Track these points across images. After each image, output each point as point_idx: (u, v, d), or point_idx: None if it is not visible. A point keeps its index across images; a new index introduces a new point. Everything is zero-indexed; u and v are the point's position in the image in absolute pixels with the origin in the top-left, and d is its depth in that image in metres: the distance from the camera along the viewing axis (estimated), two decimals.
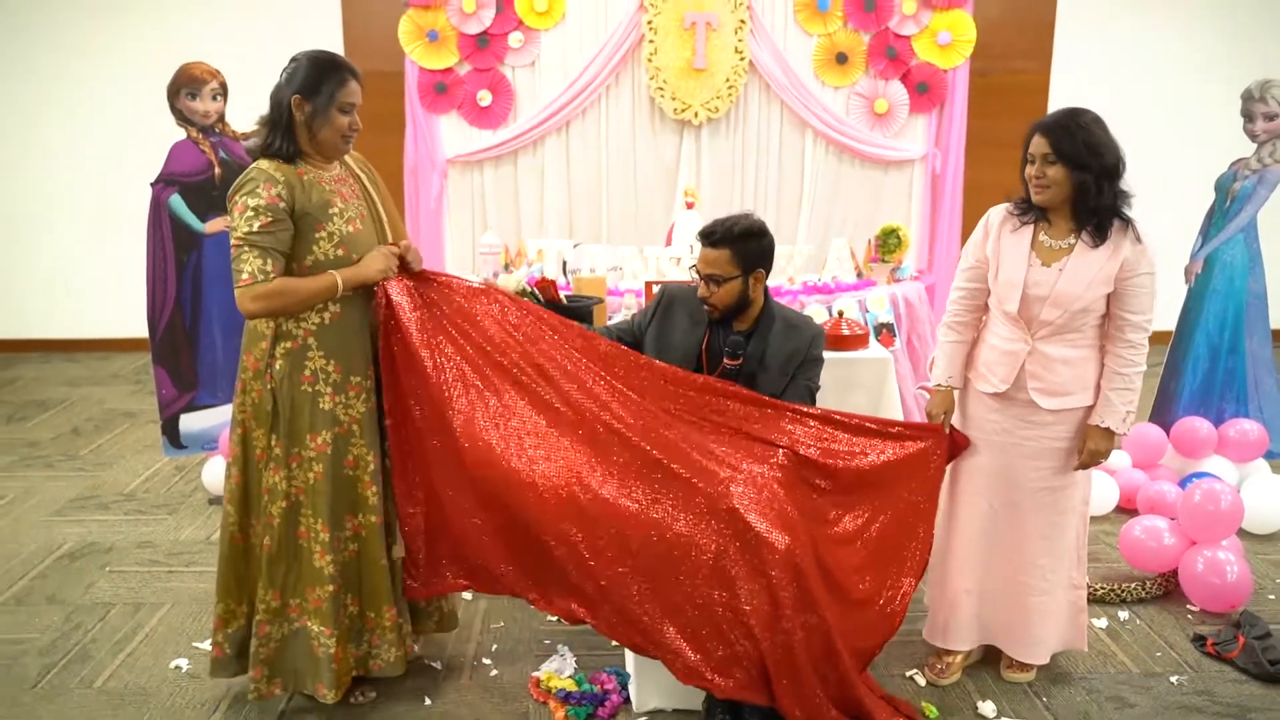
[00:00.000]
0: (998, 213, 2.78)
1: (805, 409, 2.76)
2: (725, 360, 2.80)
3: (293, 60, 2.51)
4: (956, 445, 2.86)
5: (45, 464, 4.83)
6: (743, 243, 2.75)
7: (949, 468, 2.90)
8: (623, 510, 2.56)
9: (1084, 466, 2.73)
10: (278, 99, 2.49)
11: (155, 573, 3.66)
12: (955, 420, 2.89)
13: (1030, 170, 2.61)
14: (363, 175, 2.70)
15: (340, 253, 2.51)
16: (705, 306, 2.83)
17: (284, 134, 2.48)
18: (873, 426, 2.79)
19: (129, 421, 5.49)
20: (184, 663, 3.04)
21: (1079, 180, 2.55)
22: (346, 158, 2.67)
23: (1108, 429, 2.66)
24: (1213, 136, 4.37)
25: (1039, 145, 2.58)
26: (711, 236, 2.77)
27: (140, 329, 4.21)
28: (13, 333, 7.11)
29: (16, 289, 7.03)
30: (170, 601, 3.43)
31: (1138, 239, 2.58)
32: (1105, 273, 2.58)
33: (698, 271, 2.81)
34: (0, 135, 6.76)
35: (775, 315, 2.86)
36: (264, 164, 2.47)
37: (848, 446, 2.74)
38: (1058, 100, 6.72)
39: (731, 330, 2.86)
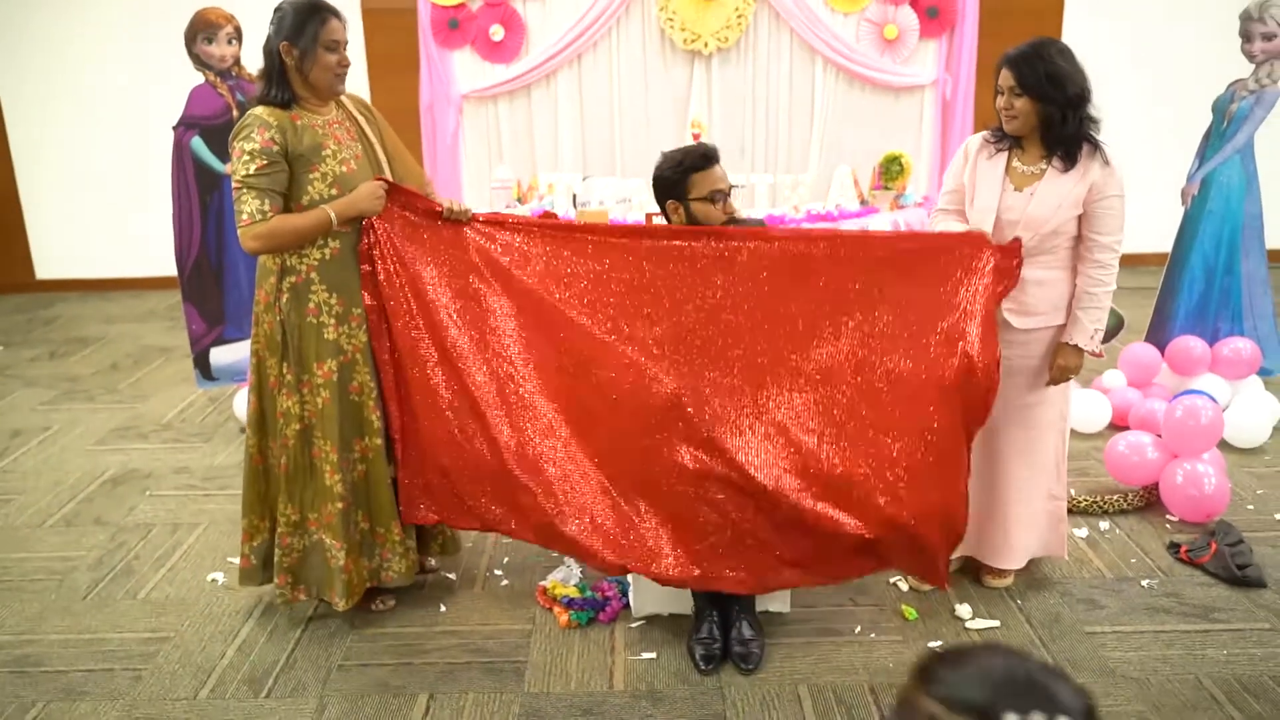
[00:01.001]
0: (976, 140, 2.88)
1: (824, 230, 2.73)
2: None
3: (277, 10, 2.65)
4: (1007, 251, 2.71)
5: (87, 397, 5.09)
6: None
7: None
8: (591, 428, 2.76)
9: (1054, 382, 2.85)
10: (268, 49, 2.64)
11: (192, 496, 3.91)
12: None
13: (1000, 101, 2.70)
14: (360, 118, 2.83)
15: (334, 192, 2.67)
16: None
17: (278, 81, 2.64)
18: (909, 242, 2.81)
19: (164, 356, 5.74)
20: (219, 576, 3.29)
21: (1044, 111, 2.64)
22: (345, 101, 2.81)
23: (1077, 346, 2.78)
24: (1221, 59, 4.36)
25: (1005, 78, 2.67)
26: (710, 156, 2.75)
27: (170, 268, 4.41)
28: (52, 273, 7.37)
29: (54, 231, 7.28)
30: (206, 522, 3.68)
31: (1106, 162, 2.68)
32: (1074, 196, 2.68)
33: (722, 193, 2.76)
34: (32, 83, 6.95)
35: None
36: (258, 110, 2.62)
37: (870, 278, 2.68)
38: (1072, 21, 6.69)
39: None
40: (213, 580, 3.27)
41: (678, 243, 2.73)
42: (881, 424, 2.64)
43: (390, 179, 2.79)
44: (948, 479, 2.66)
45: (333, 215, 2.64)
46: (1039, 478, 2.99)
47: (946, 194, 2.97)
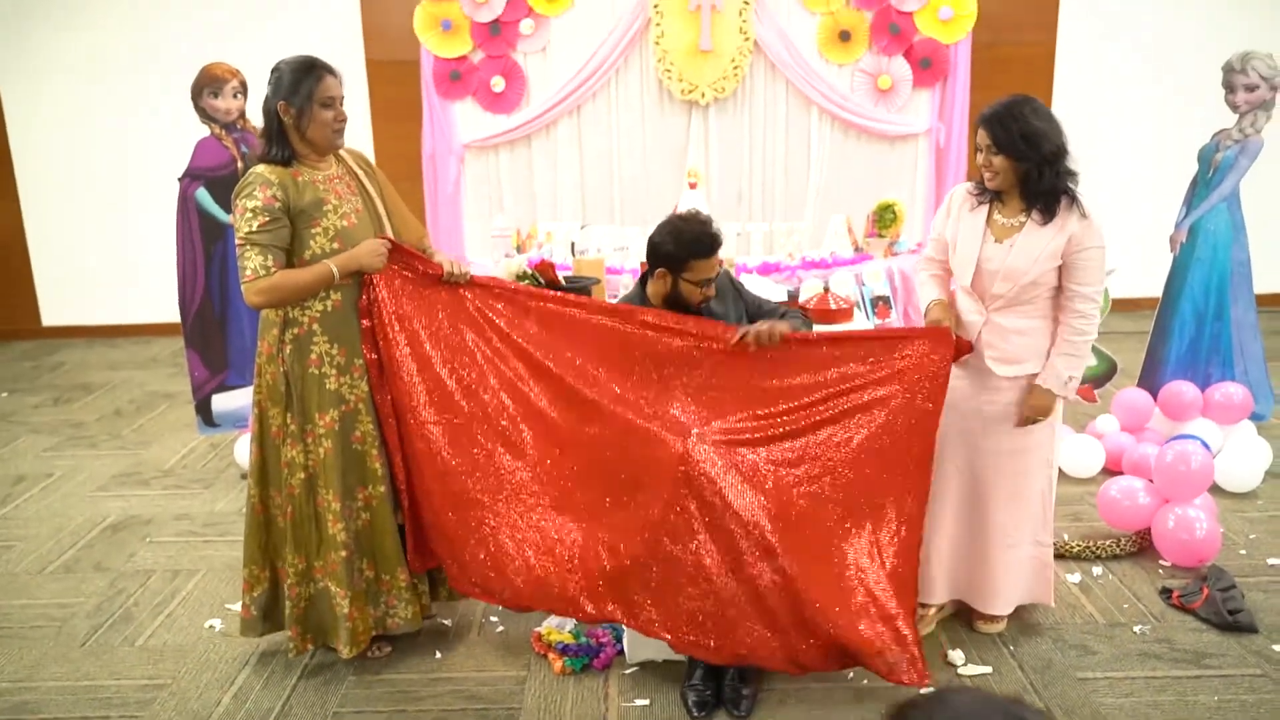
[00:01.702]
0: (960, 192, 2.94)
1: (798, 336, 2.85)
2: None
3: (274, 71, 2.73)
4: (960, 348, 2.85)
5: (90, 443, 5.14)
6: None
7: None
8: (584, 484, 2.80)
9: (1024, 423, 2.86)
10: (267, 109, 2.72)
11: (192, 542, 3.94)
12: None
13: (979, 159, 2.78)
14: (360, 172, 2.90)
15: (336, 246, 2.73)
16: (704, 303, 2.90)
17: (277, 140, 2.71)
18: (870, 336, 2.91)
19: (167, 402, 5.80)
20: (217, 623, 3.31)
21: (1022, 168, 2.71)
22: (345, 155, 2.88)
23: (1049, 390, 2.82)
24: (1210, 107, 4.44)
25: (982, 137, 2.75)
26: (715, 245, 2.84)
27: (175, 313, 4.47)
28: (59, 320, 7.45)
29: (62, 278, 7.37)
30: (205, 568, 3.71)
31: (1083, 215, 2.74)
32: (1052, 248, 2.74)
33: (711, 280, 2.85)
34: (42, 132, 7.08)
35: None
36: (260, 168, 2.70)
37: (840, 366, 2.83)
38: (1063, 72, 6.80)
39: None
40: (210, 627, 3.29)
41: (665, 327, 2.86)
42: (847, 509, 2.77)
43: (391, 236, 2.86)
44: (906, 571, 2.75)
45: (335, 270, 2.70)
46: (1026, 524, 3.02)
47: (932, 241, 3.06)
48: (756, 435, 2.79)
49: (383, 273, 2.81)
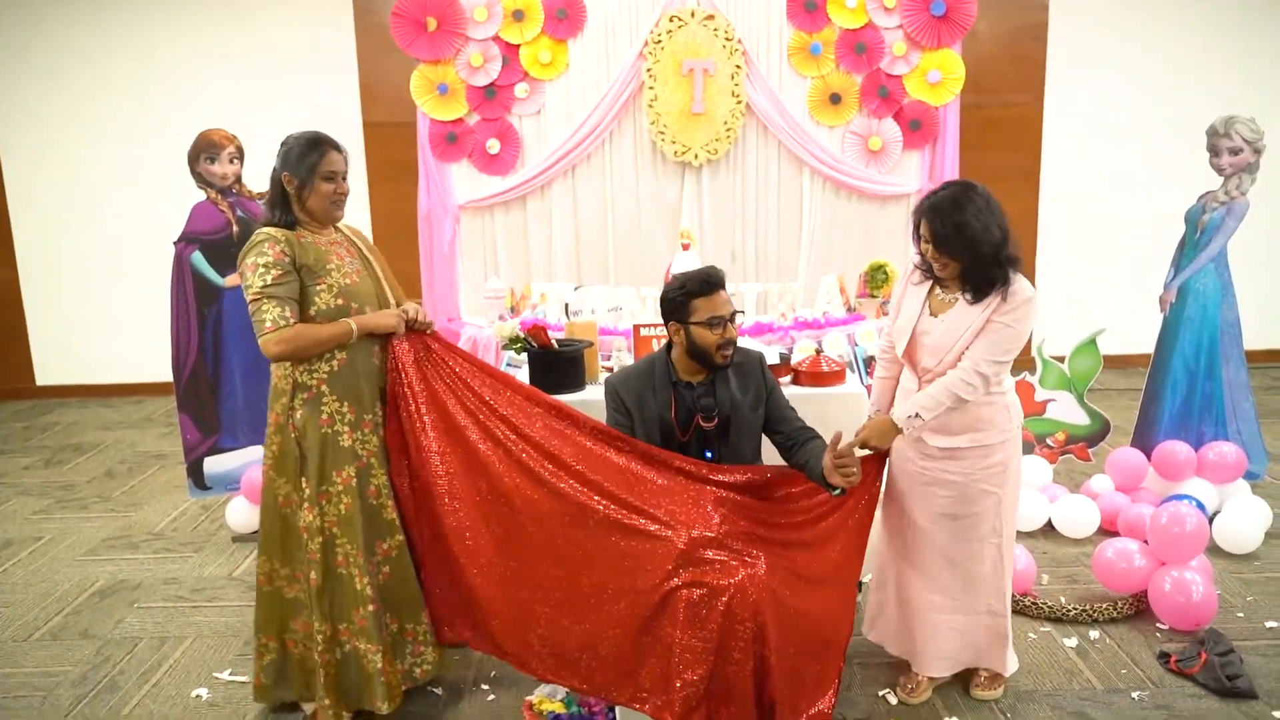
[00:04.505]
0: (909, 263, 2.99)
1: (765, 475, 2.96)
2: (700, 423, 2.96)
3: (283, 143, 2.84)
4: (881, 458, 3.00)
5: (80, 506, 5.11)
6: None
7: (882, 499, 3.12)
8: (582, 558, 2.79)
9: (856, 445, 2.84)
10: (273, 178, 2.83)
11: (180, 608, 3.90)
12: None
13: (927, 251, 2.79)
14: (359, 244, 3.00)
15: (340, 302, 2.79)
16: (728, 350, 2.90)
17: (280, 207, 2.82)
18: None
19: (159, 464, 5.77)
20: (204, 692, 3.26)
21: (965, 263, 2.74)
22: (342, 227, 2.97)
23: (892, 422, 2.82)
24: (1197, 165, 4.50)
25: (926, 232, 2.76)
26: (714, 282, 2.92)
27: (170, 374, 4.47)
28: (53, 379, 7.45)
29: (57, 338, 7.39)
30: (193, 635, 3.66)
31: (1004, 298, 2.74)
32: (975, 325, 2.77)
33: (721, 319, 2.87)
34: (39, 193, 7.15)
35: None
36: (266, 229, 2.79)
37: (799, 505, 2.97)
38: (1051, 131, 6.89)
39: (689, 385, 2.99)
40: (196, 696, 3.23)
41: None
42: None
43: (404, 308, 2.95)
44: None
45: (354, 328, 2.77)
46: (976, 592, 2.99)
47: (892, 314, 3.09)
48: (750, 533, 2.84)
49: (402, 341, 2.89)
